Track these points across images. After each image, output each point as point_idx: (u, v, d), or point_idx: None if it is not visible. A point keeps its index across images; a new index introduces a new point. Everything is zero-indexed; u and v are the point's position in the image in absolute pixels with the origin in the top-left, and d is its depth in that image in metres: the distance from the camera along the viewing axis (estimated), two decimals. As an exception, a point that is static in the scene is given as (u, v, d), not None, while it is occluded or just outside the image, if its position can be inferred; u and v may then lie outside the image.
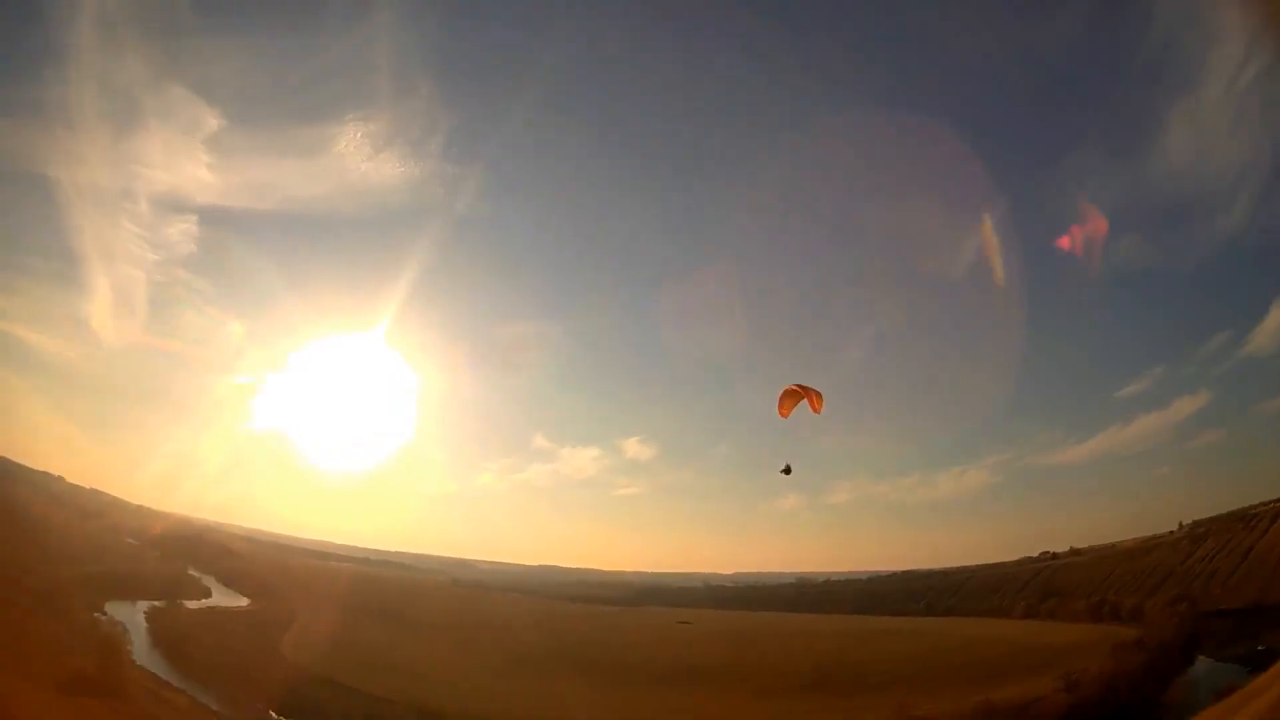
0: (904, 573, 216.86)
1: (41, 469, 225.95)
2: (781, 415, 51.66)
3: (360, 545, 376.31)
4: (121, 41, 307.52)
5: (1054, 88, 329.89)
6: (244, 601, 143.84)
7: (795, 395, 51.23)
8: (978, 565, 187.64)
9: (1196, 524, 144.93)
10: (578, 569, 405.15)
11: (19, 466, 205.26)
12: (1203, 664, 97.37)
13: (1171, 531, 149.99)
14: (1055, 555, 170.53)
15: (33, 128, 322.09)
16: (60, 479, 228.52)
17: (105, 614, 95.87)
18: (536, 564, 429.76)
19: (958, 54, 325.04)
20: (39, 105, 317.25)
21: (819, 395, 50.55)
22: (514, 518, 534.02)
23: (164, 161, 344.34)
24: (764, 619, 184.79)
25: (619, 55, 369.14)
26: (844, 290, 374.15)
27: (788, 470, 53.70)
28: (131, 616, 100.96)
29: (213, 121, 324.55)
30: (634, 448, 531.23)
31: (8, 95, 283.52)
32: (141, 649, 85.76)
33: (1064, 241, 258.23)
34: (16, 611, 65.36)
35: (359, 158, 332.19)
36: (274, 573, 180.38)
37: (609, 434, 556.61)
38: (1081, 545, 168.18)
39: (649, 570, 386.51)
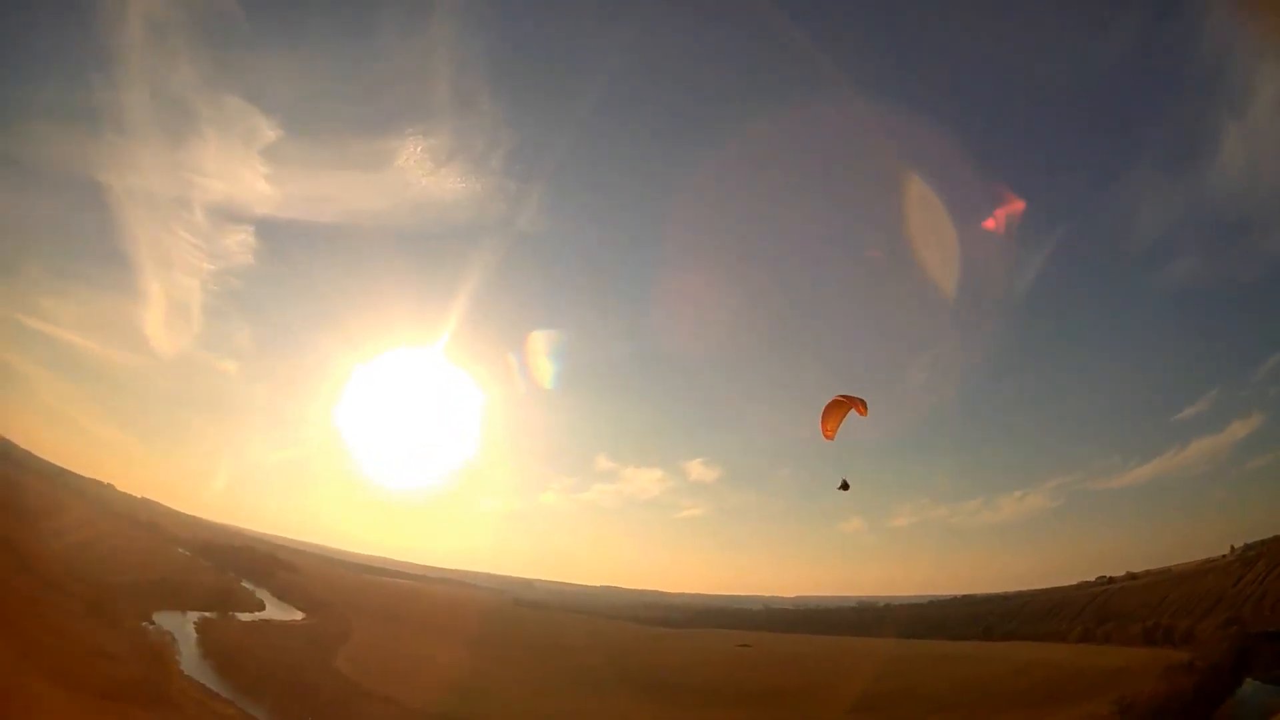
0: (963, 597, 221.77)
1: (92, 476, 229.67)
2: (827, 437, 50.34)
3: (419, 562, 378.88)
4: (173, 49, 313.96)
5: (1109, 106, 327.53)
6: (298, 615, 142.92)
7: (840, 407, 49.87)
8: (1036, 589, 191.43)
9: (1248, 547, 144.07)
10: (640, 590, 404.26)
11: (69, 473, 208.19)
12: (1250, 686, 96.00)
13: (1224, 555, 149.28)
14: (1112, 579, 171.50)
15: (82, 132, 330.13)
16: (111, 487, 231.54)
17: (154, 623, 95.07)
18: (599, 584, 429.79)
19: (1015, 74, 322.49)
20: (88, 110, 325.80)
21: (863, 402, 49.26)
22: (577, 537, 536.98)
23: (220, 171, 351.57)
24: (823, 643, 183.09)
25: (678, 68, 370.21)
26: (906, 314, 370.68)
27: (845, 486, 52.95)
28: (181, 627, 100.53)
29: (269, 132, 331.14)
30: (698, 469, 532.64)
31: (54, 99, 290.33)
32: (191, 659, 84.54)
33: (989, 224, 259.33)
34: (61, 617, 64.03)
35: (420, 172, 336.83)
36: (330, 587, 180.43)
37: (673, 456, 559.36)
38: (1137, 569, 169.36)
39: (711, 592, 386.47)
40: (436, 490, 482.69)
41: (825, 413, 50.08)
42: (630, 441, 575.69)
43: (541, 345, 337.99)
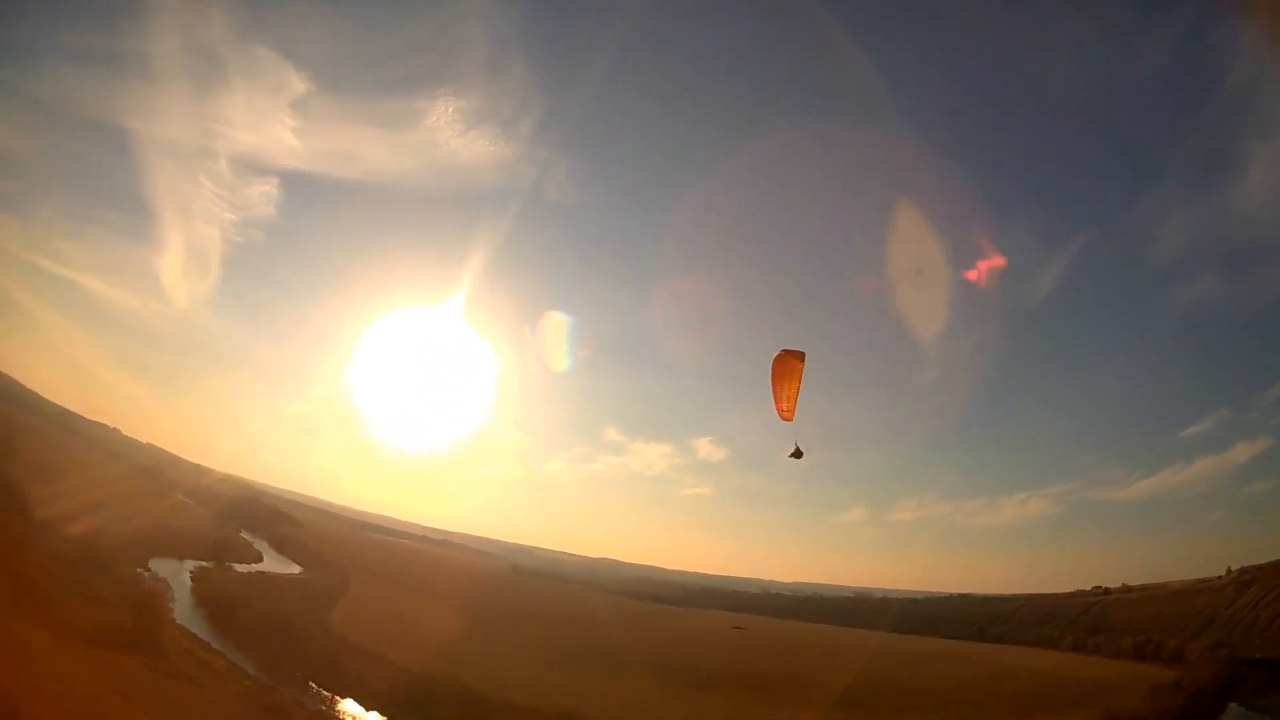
0: (960, 596, 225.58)
1: (98, 420, 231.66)
2: (787, 417, 46.41)
3: (421, 523, 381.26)
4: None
5: (1136, 122, 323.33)
6: (296, 569, 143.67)
7: (794, 366, 45.47)
8: (1031, 594, 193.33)
9: (1244, 570, 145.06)
10: (638, 565, 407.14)
11: (74, 415, 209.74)
12: (1234, 711, 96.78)
13: (1219, 576, 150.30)
14: (1107, 590, 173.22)
15: (107, 77, 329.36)
16: (116, 431, 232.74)
17: (149, 570, 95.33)
18: (598, 556, 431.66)
19: (1047, 84, 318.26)
20: (114, 56, 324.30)
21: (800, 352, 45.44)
22: (579, 508, 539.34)
23: (247, 121, 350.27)
24: (818, 631, 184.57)
25: (719, 47, 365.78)
26: (923, 310, 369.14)
27: (798, 454, 48.18)
28: (176, 575, 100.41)
29: (299, 85, 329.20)
30: (705, 448, 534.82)
31: (81, 42, 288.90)
32: (184, 608, 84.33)
33: (971, 275, 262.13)
34: (52, 561, 64.48)
35: (450, 133, 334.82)
36: (330, 543, 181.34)
37: (681, 432, 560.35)
38: (1133, 582, 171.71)
39: (709, 572, 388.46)
40: (443, 452, 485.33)
41: (780, 379, 45.27)
42: (641, 415, 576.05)
43: (559, 313, 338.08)
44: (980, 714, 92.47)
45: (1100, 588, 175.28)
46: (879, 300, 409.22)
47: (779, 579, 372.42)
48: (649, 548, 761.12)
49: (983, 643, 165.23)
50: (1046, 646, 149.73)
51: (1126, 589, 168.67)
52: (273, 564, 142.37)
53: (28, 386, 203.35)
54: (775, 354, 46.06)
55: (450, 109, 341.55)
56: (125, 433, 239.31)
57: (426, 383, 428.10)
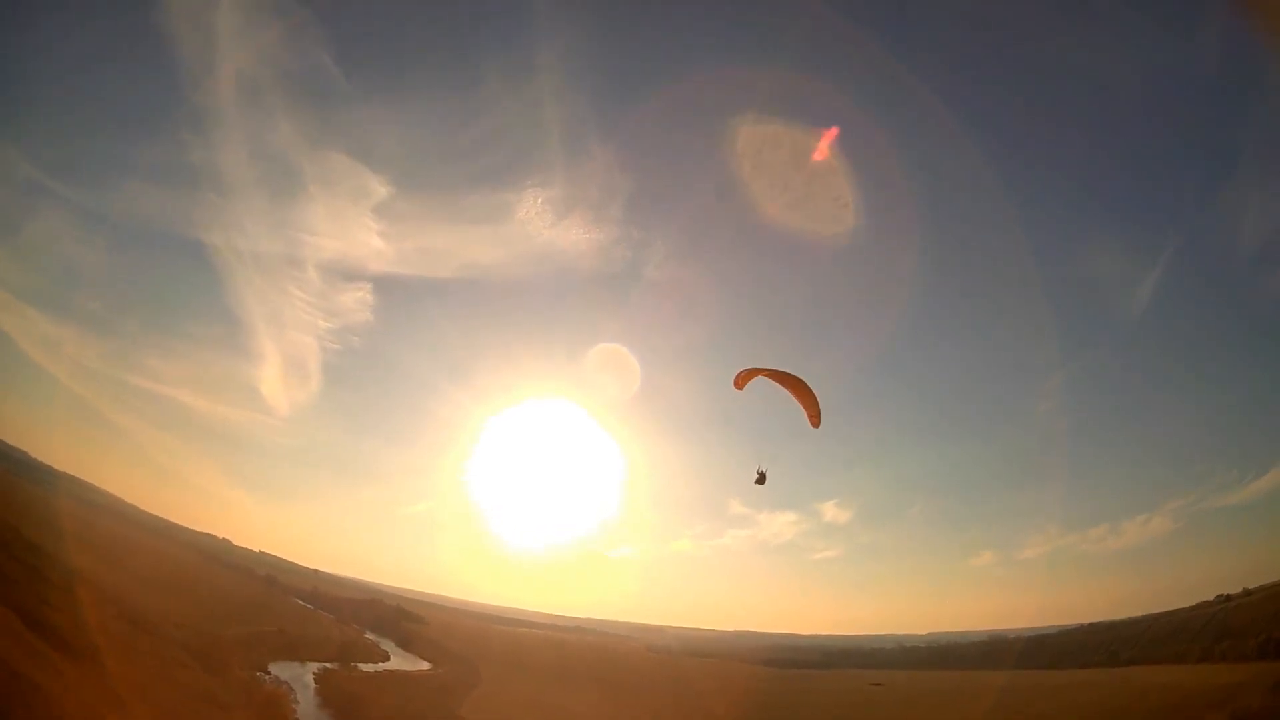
0: (1088, 625, 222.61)
1: (206, 531, 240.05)
2: (818, 422, 45.98)
3: (549, 612, 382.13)
4: (269, 108, 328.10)
5: (1202, 118, 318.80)
6: (424, 665, 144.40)
7: (799, 382, 45.31)
8: (1158, 613, 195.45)
9: None
10: (774, 634, 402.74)
11: (179, 527, 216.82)
12: None
13: None
14: (1228, 597, 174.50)
15: (179, 192, 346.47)
16: (227, 542, 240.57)
17: (269, 674, 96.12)
18: (734, 629, 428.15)
19: (1112, 90, 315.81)
20: (184, 170, 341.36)
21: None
22: (711, 583, 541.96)
23: (331, 229, 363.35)
24: (952, 677, 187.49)
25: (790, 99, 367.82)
26: (1026, 342, 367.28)
27: (762, 479, 47.29)
28: (299, 677, 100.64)
29: (380, 189, 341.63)
30: (831, 510, 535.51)
31: (147, 159, 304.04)
32: (308, 708, 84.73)
33: (818, 155, 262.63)
34: (167, 666, 64.95)
35: (541, 224, 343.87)
36: (458, 637, 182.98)
37: (807, 498, 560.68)
38: (1255, 584, 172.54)
39: (845, 633, 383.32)
40: (568, 540, 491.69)
41: (801, 390, 45.40)
42: (765, 485, 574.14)
43: (679, 392, 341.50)
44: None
45: (1222, 595, 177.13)
46: (987, 342, 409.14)
47: (914, 631, 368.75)
48: (783, 615, 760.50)
49: (1114, 668, 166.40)
50: (1176, 662, 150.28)
51: (1247, 592, 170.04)
52: (400, 662, 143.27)
53: (127, 500, 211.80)
54: (776, 372, 46.49)
55: (539, 200, 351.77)
56: (236, 542, 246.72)
57: (546, 473, 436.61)
